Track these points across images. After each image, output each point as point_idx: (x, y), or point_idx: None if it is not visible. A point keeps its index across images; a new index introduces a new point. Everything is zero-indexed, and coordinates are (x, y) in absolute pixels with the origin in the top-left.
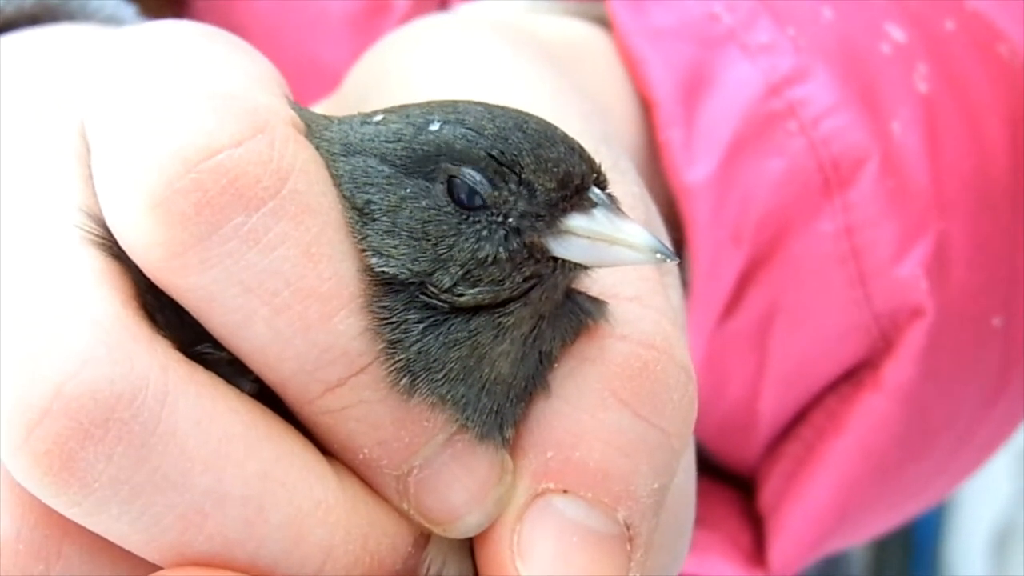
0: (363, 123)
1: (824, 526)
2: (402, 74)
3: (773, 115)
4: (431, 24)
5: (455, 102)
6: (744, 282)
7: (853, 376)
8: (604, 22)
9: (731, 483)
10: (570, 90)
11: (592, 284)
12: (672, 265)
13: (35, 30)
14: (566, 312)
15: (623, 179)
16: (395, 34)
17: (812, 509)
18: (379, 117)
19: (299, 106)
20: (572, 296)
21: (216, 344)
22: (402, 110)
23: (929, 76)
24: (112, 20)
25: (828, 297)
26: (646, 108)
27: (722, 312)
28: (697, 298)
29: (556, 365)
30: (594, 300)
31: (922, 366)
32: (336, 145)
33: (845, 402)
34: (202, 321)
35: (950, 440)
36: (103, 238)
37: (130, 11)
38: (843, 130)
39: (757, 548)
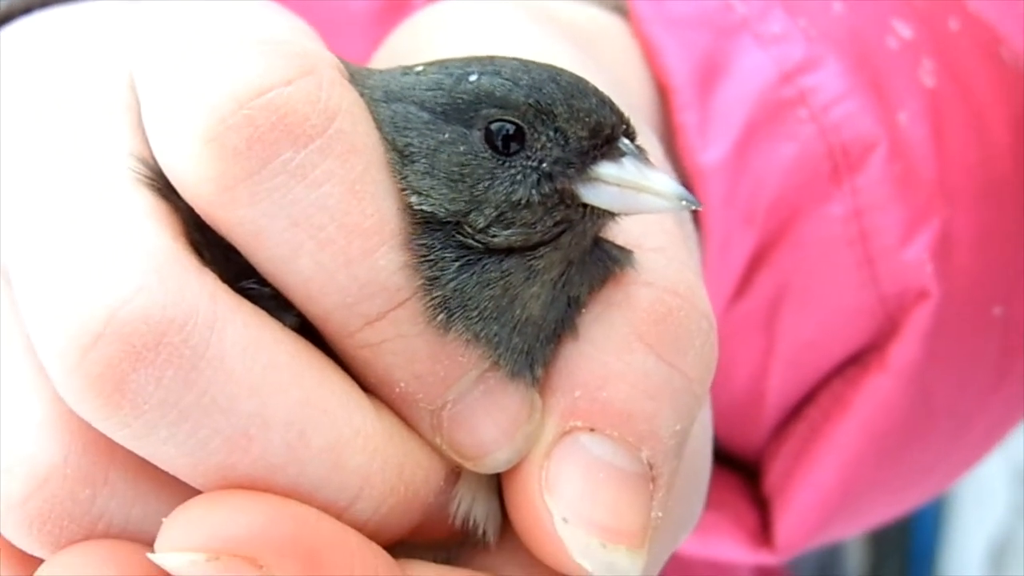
0: (404, 73)
1: (830, 506)
2: (433, 51)
3: (785, 102)
4: (458, 4)
5: (492, 57)
6: (754, 264)
7: (859, 358)
8: (619, 9)
9: (737, 470)
10: (595, 68)
11: (618, 235)
12: (690, 224)
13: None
14: (594, 259)
15: (644, 141)
16: (422, 13)
17: (818, 489)
18: (419, 68)
19: (340, 57)
20: (600, 244)
21: (259, 280)
22: (441, 63)
23: (935, 71)
24: None
25: (836, 279)
26: (662, 93)
27: (732, 294)
28: (709, 279)
29: (584, 310)
30: (621, 249)
31: (927, 348)
32: (378, 92)
33: (851, 384)
34: (248, 255)
35: (951, 425)
36: (152, 179)
37: None
38: (852, 117)
39: (763, 529)
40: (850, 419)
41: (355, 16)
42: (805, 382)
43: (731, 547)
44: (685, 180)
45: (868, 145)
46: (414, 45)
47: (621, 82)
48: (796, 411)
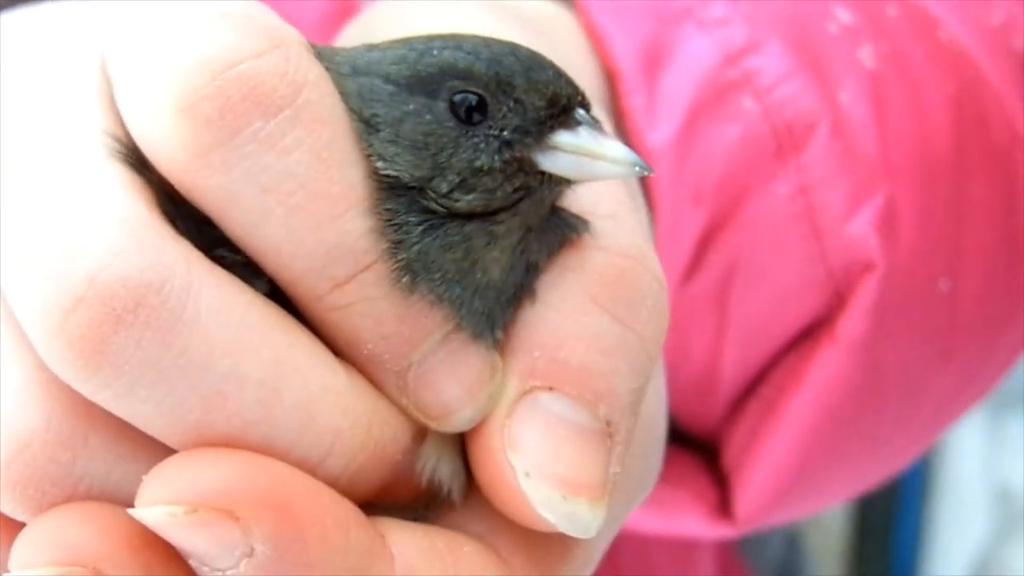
0: (368, 50)
1: (786, 478)
2: (399, 34)
3: (729, 83)
4: None
5: (453, 34)
6: (704, 244)
7: (810, 333)
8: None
9: (696, 448)
10: (547, 52)
11: (572, 204)
12: (641, 198)
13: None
14: (551, 226)
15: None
16: (374, 8)
17: (774, 462)
18: (383, 45)
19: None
20: (557, 212)
21: (231, 248)
22: (404, 40)
23: (875, 54)
24: None
25: (785, 255)
26: (609, 79)
27: (683, 274)
28: (660, 259)
29: (542, 275)
30: (576, 216)
31: (874, 320)
32: (344, 67)
33: (803, 358)
34: (221, 222)
35: (902, 397)
36: (126, 154)
37: None
38: (795, 97)
39: (723, 504)
40: (803, 393)
41: (302, 20)
42: (759, 358)
43: (692, 522)
44: None
45: (811, 123)
46: (368, 36)
47: (571, 66)
48: (751, 387)
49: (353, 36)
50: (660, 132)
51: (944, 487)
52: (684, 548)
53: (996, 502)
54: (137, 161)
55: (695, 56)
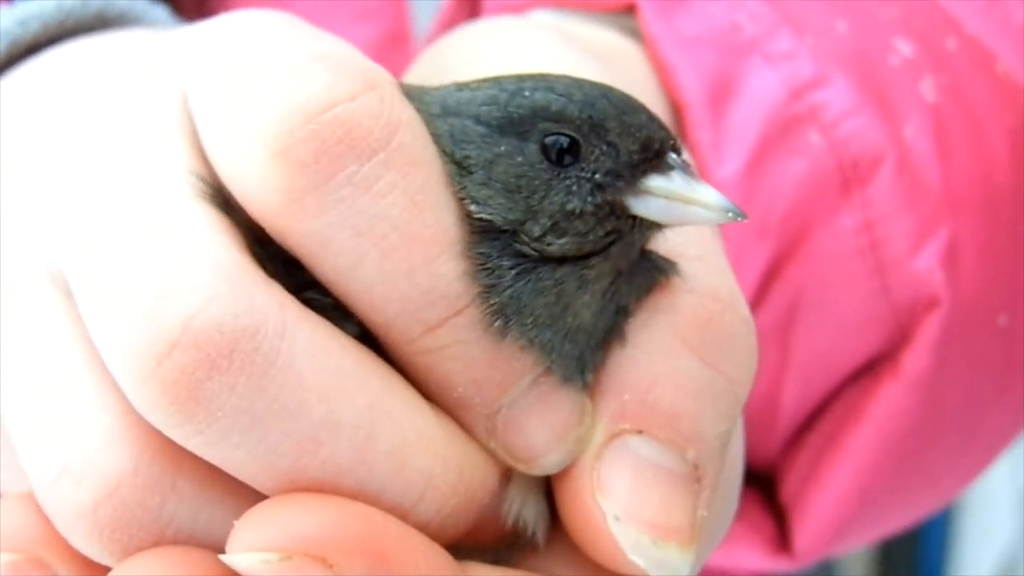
0: (458, 89)
1: (847, 512)
2: (474, 64)
3: (795, 118)
4: (481, 27)
5: (543, 73)
6: (769, 277)
7: (872, 368)
8: (631, 31)
9: (752, 481)
10: (619, 85)
11: (660, 244)
12: (718, 232)
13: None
14: (641, 269)
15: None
16: (459, 32)
17: (835, 496)
18: (473, 84)
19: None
20: (646, 255)
21: (320, 291)
22: (495, 79)
23: (936, 87)
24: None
25: (849, 289)
26: (675, 111)
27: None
28: None
29: (631, 318)
30: (665, 259)
31: (937, 356)
32: (435, 107)
33: (864, 393)
34: (312, 266)
35: (960, 432)
36: (212, 194)
37: None
38: (861, 131)
39: (781, 537)
40: (864, 427)
41: (356, 45)
42: (819, 392)
43: (750, 556)
44: None
45: (876, 158)
46: (442, 69)
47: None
48: (810, 421)
49: (425, 69)
50: (728, 166)
51: (970, 492)
52: None
53: (1020, 507)
54: (223, 202)
55: (762, 90)
